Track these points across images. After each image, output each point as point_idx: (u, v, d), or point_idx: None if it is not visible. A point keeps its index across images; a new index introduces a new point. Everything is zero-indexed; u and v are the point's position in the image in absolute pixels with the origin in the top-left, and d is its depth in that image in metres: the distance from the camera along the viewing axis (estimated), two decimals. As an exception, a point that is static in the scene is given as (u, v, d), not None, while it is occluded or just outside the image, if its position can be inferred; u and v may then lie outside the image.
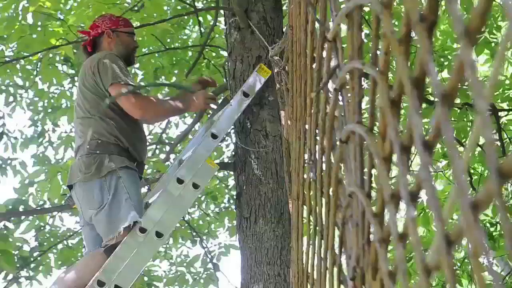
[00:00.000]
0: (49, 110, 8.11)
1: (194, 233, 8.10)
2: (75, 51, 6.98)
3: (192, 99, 3.85)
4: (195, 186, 3.60)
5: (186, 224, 7.87)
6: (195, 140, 4.19)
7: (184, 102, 3.85)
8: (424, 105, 4.97)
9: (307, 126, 1.65)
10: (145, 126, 3.97)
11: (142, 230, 3.36)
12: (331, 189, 1.20)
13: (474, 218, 0.47)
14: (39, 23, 5.94)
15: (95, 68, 3.56)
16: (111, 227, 3.33)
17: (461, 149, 5.55)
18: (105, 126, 3.53)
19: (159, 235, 3.41)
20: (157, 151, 7.63)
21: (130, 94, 3.52)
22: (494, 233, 6.29)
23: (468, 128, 5.61)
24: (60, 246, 7.55)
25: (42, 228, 7.49)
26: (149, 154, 7.38)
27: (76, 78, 7.90)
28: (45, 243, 7.44)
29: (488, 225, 6.41)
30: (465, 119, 5.46)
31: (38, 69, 6.84)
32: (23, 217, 7.07)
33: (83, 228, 3.61)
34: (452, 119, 5.46)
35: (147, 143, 3.95)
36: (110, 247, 3.31)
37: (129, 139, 3.57)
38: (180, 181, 3.54)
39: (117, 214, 3.34)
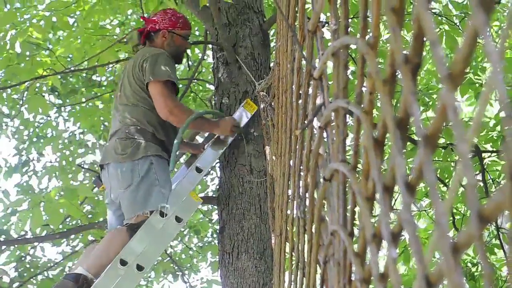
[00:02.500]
0: (34, 140, 8.09)
1: (176, 267, 8.04)
2: (63, 81, 6.99)
3: (219, 123, 3.93)
4: (178, 219, 3.58)
5: (169, 258, 7.82)
6: (180, 173, 4.19)
7: (211, 123, 3.96)
8: (409, 144, 4.99)
9: (291, 163, 1.66)
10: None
11: (123, 263, 3.34)
12: (313, 227, 1.20)
13: (454, 261, 0.47)
14: (27, 53, 5.94)
15: (146, 62, 3.74)
16: (134, 207, 3.52)
17: (444, 188, 5.57)
18: (146, 116, 3.73)
19: (140, 268, 3.39)
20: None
21: (167, 94, 3.68)
22: (475, 273, 6.29)
23: (452, 168, 5.63)
24: (40, 277, 7.47)
25: (23, 258, 7.41)
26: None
27: (62, 109, 7.90)
28: (25, 274, 7.36)
29: (469, 264, 6.41)
30: (449, 159, 5.49)
31: (24, 98, 6.83)
32: (3, 246, 7.00)
33: (108, 206, 3.78)
34: (437, 158, 5.49)
35: None
36: (132, 225, 3.47)
37: (165, 132, 3.78)
38: (162, 214, 3.53)
39: (144, 195, 3.53)
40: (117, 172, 3.61)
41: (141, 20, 4.32)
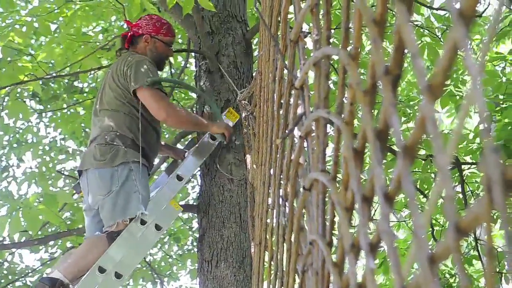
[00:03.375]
0: (15, 145, 8.03)
1: (155, 275, 8.02)
2: (44, 87, 6.94)
3: (215, 122, 3.95)
4: (158, 227, 3.57)
5: (147, 265, 7.79)
6: (160, 180, 4.18)
7: (207, 121, 3.96)
8: (389, 155, 5.01)
9: (272, 172, 1.66)
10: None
11: (101, 270, 3.32)
12: (293, 236, 1.20)
13: (431, 272, 0.47)
14: (9, 58, 5.90)
15: (130, 69, 3.72)
16: (114, 214, 3.49)
17: (424, 199, 5.60)
18: (126, 122, 3.71)
19: (118, 275, 3.37)
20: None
21: (159, 98, 3.69)
22: (453, 284, 6.31)
23: (432, 179, 5.66)
24: (18, 283, 7.42)
25: (0, 264, 7.36)
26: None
27: (43, 114, 7.86)
28: (2, 280, 7.30)
29: (447, 275, 6.44)
30: (429, 171, 5.51)
31: (4, 103, 6.79)
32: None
33: (86, 213, 3.74)
34: (417, 169, 5.51)
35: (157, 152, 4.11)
36: (112, 233, 3.46)
37: (145, 140, 3.75)
38: (142, 221, 3.51)
39: (123, 203, 3.51)
40: (96, 178, 3.59)
41: (126, 25, 4.30)
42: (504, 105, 5.24)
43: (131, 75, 3.70)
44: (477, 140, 5.73)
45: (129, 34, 4.03)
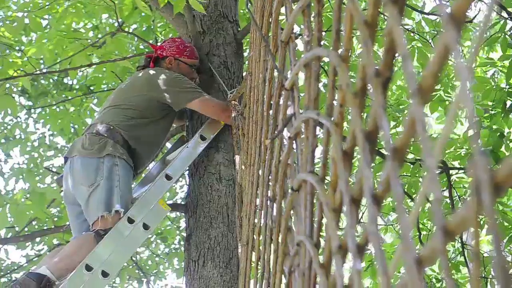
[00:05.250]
0: (2, 141, 8.01)
1: (142, 273, 8.00)
2: (34, 83, 6.92)
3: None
4: (146, 226, 3.56)
5: (134, 264, 7.78)
6: (148, 178, 4.17)
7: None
8: (378, 158, 5.02)
9: (260, 172, 1.66)
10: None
11: (88, 268, 3.31)
12: (280, 236, 1.20)
13: (418, 274, 0.47)
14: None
15: (169, 89, 3.84)
16: (99, 206, 3.48)
17: (412, 204, 5.61)
18: (123, 120, 3.76)
19: (105, 274, 3.36)
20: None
21: (210, 104, 3.86)
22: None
23: (420, 184, 5.67)
24: (3, 279, 7.40)
25: (-14, 260, 7.33)
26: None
27: (32, 110, 7.83)
28: (-13, 276, 7.28)
29: (434, 280, 6.45)
30: (417, 175, 5.52)
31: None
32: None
33: (69, 208, 3.77)
34: (405, 173, 5.52)
35: (148, 164, 4.14)
36: (99, 231, 3.43)
37: (137, 145, 3.78)
38: (130, 220, 3.50)
39: (106, 196, 3.51)
40: (80, 166, 3.61)
41: (151, 47, 4.47)
42: (493, 111, 5.26)
43: (174, 95, 3.82)
44: (466, 145, 5.75)
45: (154, 55, 4.13)
